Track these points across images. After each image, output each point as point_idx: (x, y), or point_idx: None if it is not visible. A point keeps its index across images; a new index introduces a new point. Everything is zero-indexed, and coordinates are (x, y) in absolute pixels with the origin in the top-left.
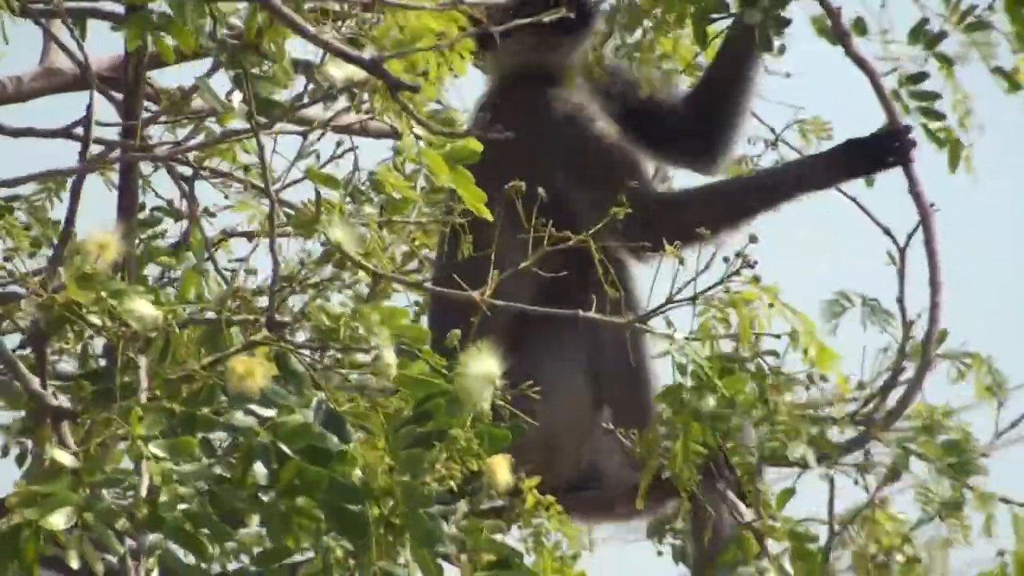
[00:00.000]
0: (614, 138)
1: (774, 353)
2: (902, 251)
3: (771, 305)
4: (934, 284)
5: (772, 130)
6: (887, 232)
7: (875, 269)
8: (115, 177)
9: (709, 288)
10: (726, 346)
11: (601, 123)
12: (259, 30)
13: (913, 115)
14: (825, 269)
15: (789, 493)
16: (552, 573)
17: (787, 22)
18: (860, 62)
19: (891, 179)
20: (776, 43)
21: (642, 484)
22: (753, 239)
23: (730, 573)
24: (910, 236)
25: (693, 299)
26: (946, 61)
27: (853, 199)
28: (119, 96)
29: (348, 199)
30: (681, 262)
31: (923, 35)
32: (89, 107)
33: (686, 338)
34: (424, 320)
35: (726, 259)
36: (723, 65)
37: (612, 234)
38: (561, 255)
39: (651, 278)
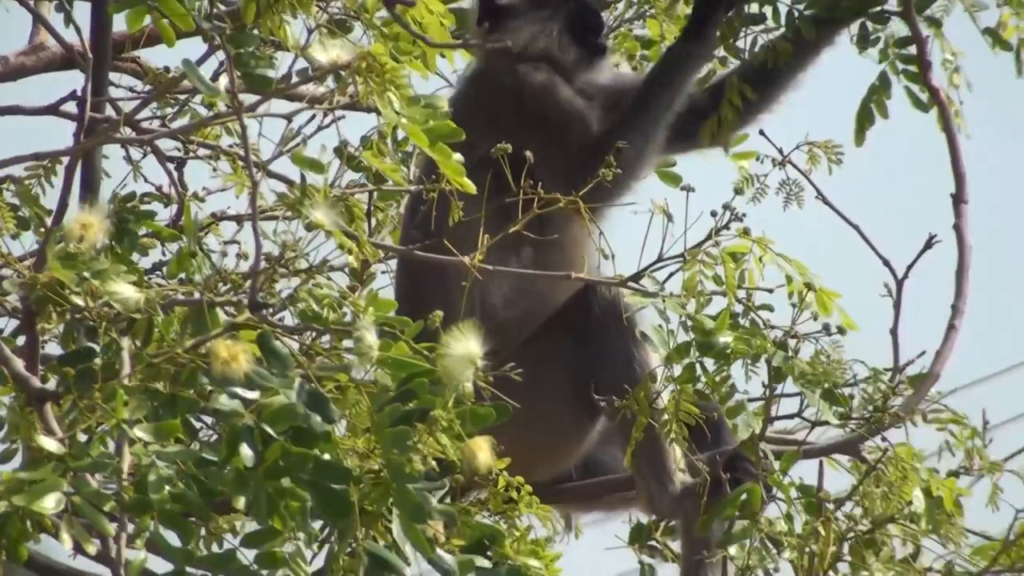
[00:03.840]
0: (577, 103)
1: (768, 307)
2: (899, 283)
3: (761, 257)
4: (956, 308)
5: (780, 151)
6: (886, 263)
7: (871, 299)
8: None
9: (699, 244)
10: (717, 301)
11: (566, 91)
12: (257, 11)
13: (900, 78)
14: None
15: (794, 456)
16: (526, 555)
17: (887, 18)
18: (935, 92)
19: (899, 210)
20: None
21: (632, 438)
22: (738, 191)
23: (727, 530)
24: (909, 268)
25: (683, 256)
26: (934, 22)
27: (856, 227)
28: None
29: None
30: (670, 218)
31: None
32: (84, 88)
33: (672, 295)
34: None
35: (714, 213)
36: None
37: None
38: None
39: (640, 235)
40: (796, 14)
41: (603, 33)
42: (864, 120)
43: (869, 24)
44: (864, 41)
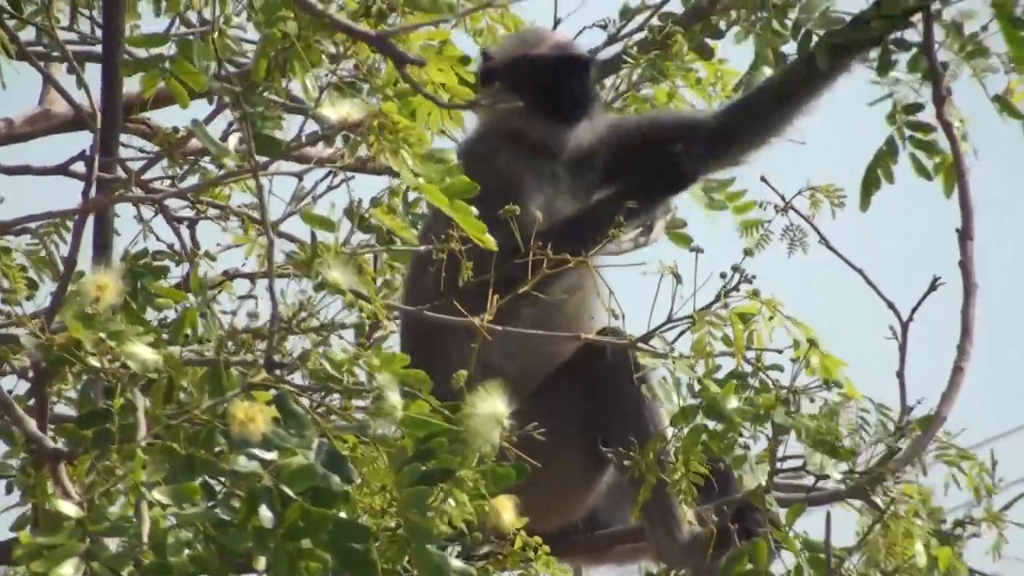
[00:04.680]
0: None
1: (778, 367)
2: (904, 325)
3: (771, 318)
4: (962, 349)
5: (783, 197)
6: (891, 306)
7: (877, 341)
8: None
9: (708, 305)
10: (726, 362)
11: (526, 189)
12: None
13: (906, 145)
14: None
15: (800, 509)
16: None
17: (909, 45)
18: (947, 127)
19: (904, 253)
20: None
21: (640, 497)
22: (748, 253)
23: None
24: (914, 310)
25: (692, 319)
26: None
27: (860, 271)
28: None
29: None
30: (679, 280)
31: (921, 63)
32: (92, 148)
33: (683, 356)
34: None
35: (723, 275)
36: (782, 81)
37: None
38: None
39: (650, 297)
40: (813, 41)
41: (574, 102)
42: (871, 185)
43: (891, 46)
44: (885, 65)
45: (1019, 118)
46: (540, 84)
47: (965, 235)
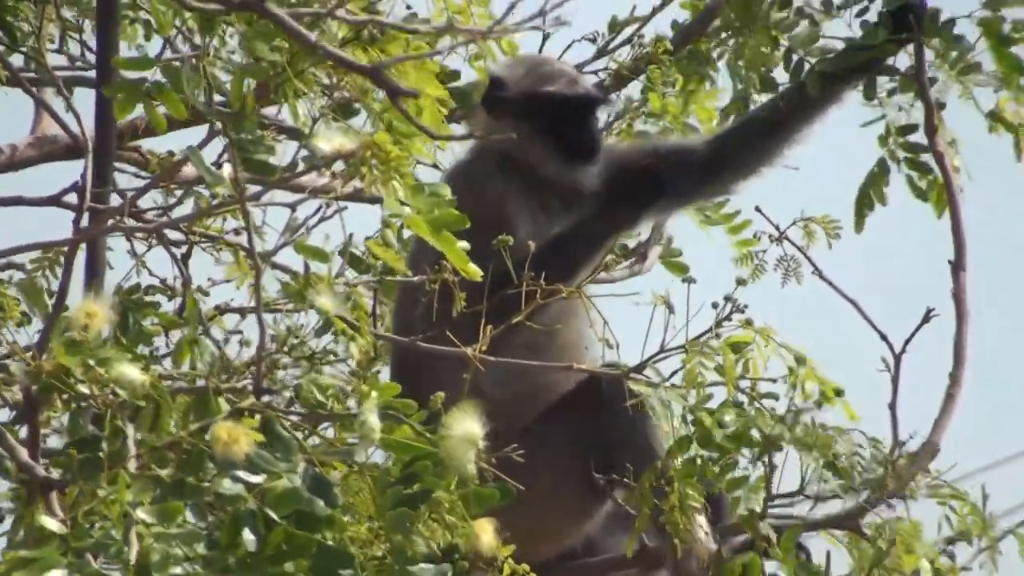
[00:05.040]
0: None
1: (773, 396)
2: (897, 357)
3: (766, 346)
4: (954, 376)
5: (777, 227)
6: (884, 338)
7: (869, 372)
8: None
9: (700, 336)
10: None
11: (517, 218)
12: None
13: (901, 166)
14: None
15: (797, 531)
16: None
17: (897, 70)
18: (939, 158)
19: (898, 278)
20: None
21: (636, 527)
22: (740, 282)
23: None
24: (907, 342)
25: (685, 347)
26: (939, 106)
27: (853, 302)
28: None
29: (346, 267)
30: (671, 310)
31: (912, 85)
32: (83, 175)
33: (674, 386)
34: None
35: (715, 305)
36: (774, 110)
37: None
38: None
39: (643, 325)
40: (804, 70)
41: (588, 142)
42: (864, 207)
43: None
44: (871, 89)
45: (1012, 131)
46: (559, 121)
47: (957, 266)
